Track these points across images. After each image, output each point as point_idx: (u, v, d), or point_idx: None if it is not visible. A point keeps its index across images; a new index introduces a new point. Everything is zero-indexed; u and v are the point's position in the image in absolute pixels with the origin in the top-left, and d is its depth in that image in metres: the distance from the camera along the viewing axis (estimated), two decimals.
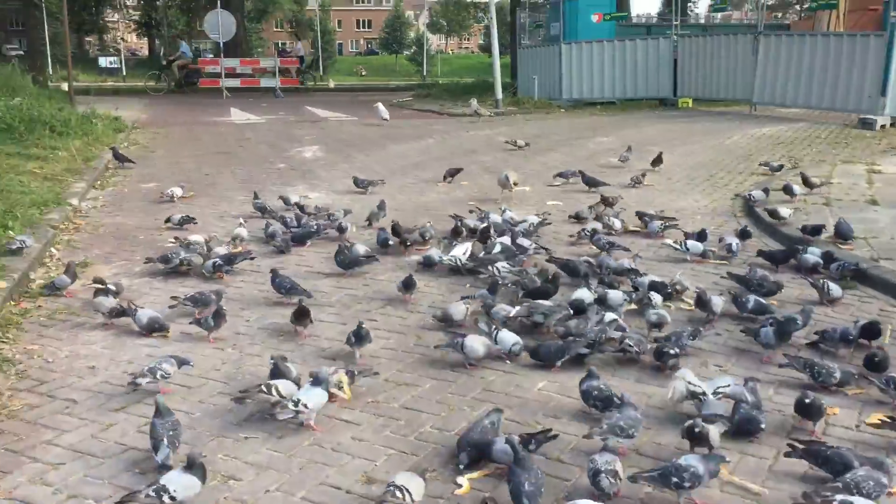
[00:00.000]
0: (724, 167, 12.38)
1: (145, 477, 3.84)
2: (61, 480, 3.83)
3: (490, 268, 6.68)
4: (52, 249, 7.78)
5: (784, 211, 8.29)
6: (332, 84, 39.94)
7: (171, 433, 3.92)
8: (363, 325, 5.22)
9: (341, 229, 8.16)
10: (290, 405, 4.21)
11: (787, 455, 3.87)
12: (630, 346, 5.07)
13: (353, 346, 5.19)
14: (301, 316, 5.60)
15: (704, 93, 22.48)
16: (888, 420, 4.09)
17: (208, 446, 4.12)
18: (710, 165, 12.55)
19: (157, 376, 4.71)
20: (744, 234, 7.71)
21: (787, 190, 9.26)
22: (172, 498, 3.45)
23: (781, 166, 11.55)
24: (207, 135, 17.88)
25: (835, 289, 6.09)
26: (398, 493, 3.48)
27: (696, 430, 3.90)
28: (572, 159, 13.44)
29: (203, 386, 4.89)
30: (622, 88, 23.69)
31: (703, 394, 4.36)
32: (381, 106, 19.50)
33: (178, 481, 3.50)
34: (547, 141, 15.95)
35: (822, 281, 6.14)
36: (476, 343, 5.09)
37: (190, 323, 5.68)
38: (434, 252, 7.24)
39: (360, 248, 7.31)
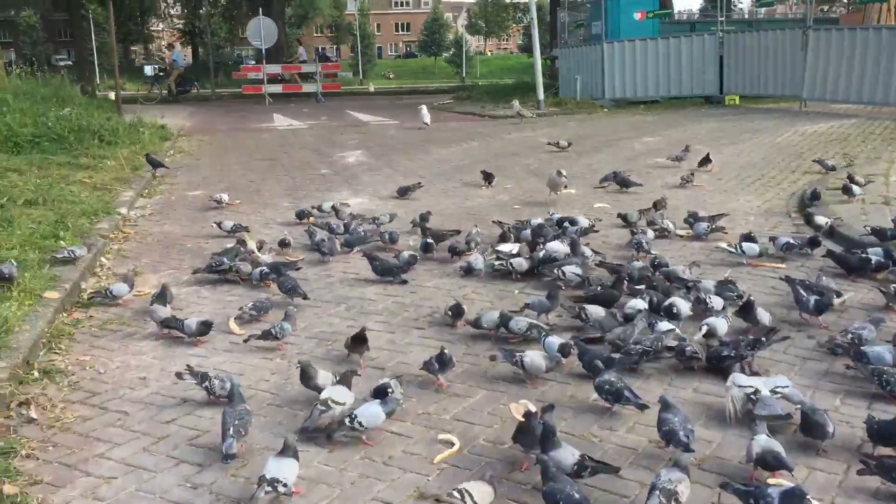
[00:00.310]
0: (776, 166, 12.07)
1: (196, 491, 3.81)
2: (114, 495, 3.81)
3: (556, 270, 6.56)
4: (103, 259, 7.85)
5: (820, 219, 7.85)
6: (372, 88, 40.10)
7: (237, 422, 4.04)
8: (445, 351, 4.92)
9: (392, 240, 8.04)
10: (347, 422, 4.15)
11: (859, 472, 3.68)
12: (692, 351, 4.90)
13: (436, 373, 4.88)
14: (358, 343, 5.26)
15: (752, 90, 22.01)
16: None
17: (257, 460, 4.08)
18: (761, 164, 12.25)
19: (204, 385, 4.76)
20: (812, 243, 7.29)
21: (846, 190, 8.91)
22: (285, 485, 3.60)
23: (835, 166, 11.21)
24: (251, 141, 18.02)
25: None
26: (457, 495, 3.45)
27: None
28: (617, 160, 13.24)
29: (252, 398, 4.84)
30: (666, 87, 23.32)
31: (757, 391, 4.25)
32: (424, 109, 19.46)
33: (279, 468, 3.65)
34: (591, 142, 15.75)
35: (892, 287, 5.87)
36: (538, 358, 4.94)
37: (258, 337, 5.60)
38: (476, 259, 7.10)
39: (407, 255, 7.25)
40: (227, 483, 3.88)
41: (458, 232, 7.99)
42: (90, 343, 5.78)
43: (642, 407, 4.35)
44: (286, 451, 3.72)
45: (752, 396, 4.27)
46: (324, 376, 4.53)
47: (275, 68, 31.51)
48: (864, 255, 6.61)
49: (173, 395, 4.88)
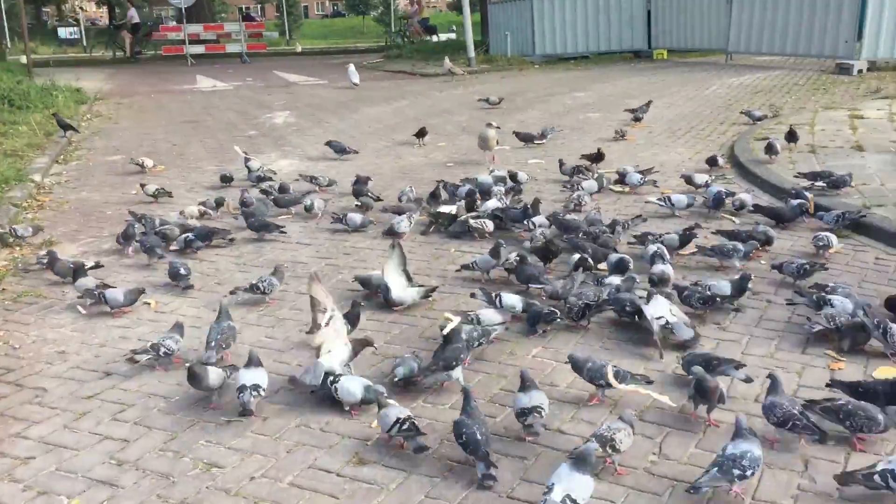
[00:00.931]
0: (705, 118, 12.17)
1: (121, 468, 3.61)
2: (32, 476, 3.59)
3: (527, 222, 6.56)
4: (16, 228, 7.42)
5: (699, 177, 7.77)
6: (299, 48, 39.13)
7: (219, 336, 4.58)
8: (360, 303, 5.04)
9: (307, 209, 7.55)
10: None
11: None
12: (630, 302, 4.86)
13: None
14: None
15: (679, 43, 22.18)
16: None
17: (188, 433, 3.89)
18: (691, 117, 12.34)
19: (161, 353, 4.55)
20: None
21: (770, 149, 8.59)
22: (264, 389, 4.08)
23: (764, 116, 11.36)
24: (174, 103, 17.38)
25: (833, 240, 5.90)
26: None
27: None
28: (548, 115, 13.18)
29: (182, 368, 4.64)
30: (596, 42, 23.32)
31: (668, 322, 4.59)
32: (352, 68, 19.06)
33: (254, 376, 4.07)
34: (522, 98, 15.64)
35: (824, 237, 5.92)
36: (513, 299, 5.05)
37: (245, 290, 5.53)
38: (400, 221, 6.90)
39: (357, 217, 7.10)
40: (153, 458, 3.69)
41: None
42: (3, 317, 5.46)
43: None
44: (252, 362, 4.15)
45: (666, 326, 4.59)
46: (214, 375, 4.09)
47: (196, 28, 30.43)
48: (794, 206, 6.67)
49: (95, 368, 4.63)
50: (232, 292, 5.58)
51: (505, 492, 3.36)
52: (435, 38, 33.75)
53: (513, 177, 8.10)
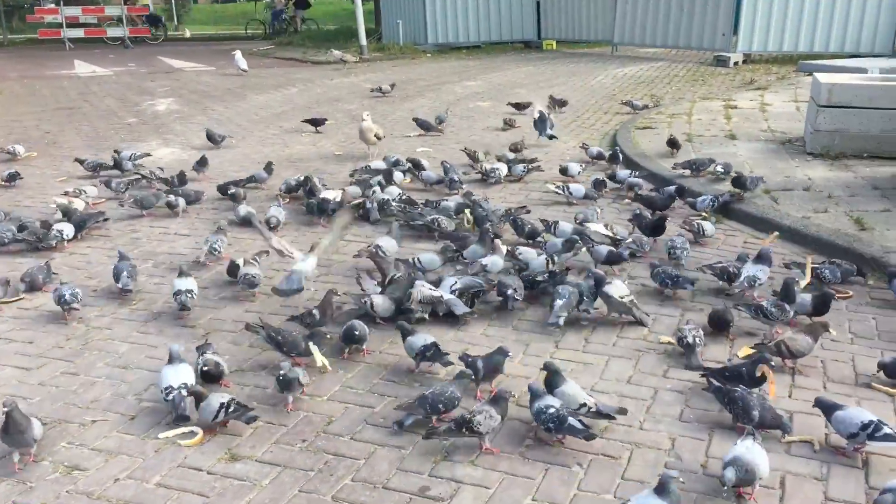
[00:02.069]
0: (591, 108, 12.45)
1: None
2: None
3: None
4: None
5: (574, 167, 8.01)
6: (188, 33, 37.82)
7: (129, 269, 5.34)
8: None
9: (170, 206, 7.19)
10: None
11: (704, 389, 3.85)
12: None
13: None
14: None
15: (567, 35, 22.62)
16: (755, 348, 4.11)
17: (49, 435, 3.69)
18: (577, 107, 12.58)
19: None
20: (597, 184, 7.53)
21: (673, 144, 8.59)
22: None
23: (645, 105, 11.71)
24: (48, 89, 16.48)
25: (708, 228, 6.13)
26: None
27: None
28: (439, 104, 13.19)
29: (44, 367, 4.41)
30: (487, 32, 23.50)
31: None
32: (238, 55, 18.54)
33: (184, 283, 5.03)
34: (414, 86, 15.60)
35: (696, 223, 6.14)
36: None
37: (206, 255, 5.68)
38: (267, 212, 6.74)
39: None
40: (8, 462, 3.48)
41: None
42: None
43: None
44: (183, 274, 5.08)
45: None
46: (36, 424, 3.49)
47: (75, 10, 28.93)
48: (669, 195, 6.88)
49: None
50: (197, 259, 5.89)
51: (381, 482, 3.34)
52: (302, 18, 32.78)
53: (416, 164, 8.11)
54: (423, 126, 10.67)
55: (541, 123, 9.48)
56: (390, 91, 14.20)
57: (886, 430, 3.34)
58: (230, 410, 3.64)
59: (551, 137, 9.45)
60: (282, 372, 3.91)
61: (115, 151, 8.80)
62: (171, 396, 3.76)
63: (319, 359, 4.20)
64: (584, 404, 3.64)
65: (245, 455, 3.53)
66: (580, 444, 3.52)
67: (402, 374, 4.24)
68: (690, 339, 4.27)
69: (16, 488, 3.33)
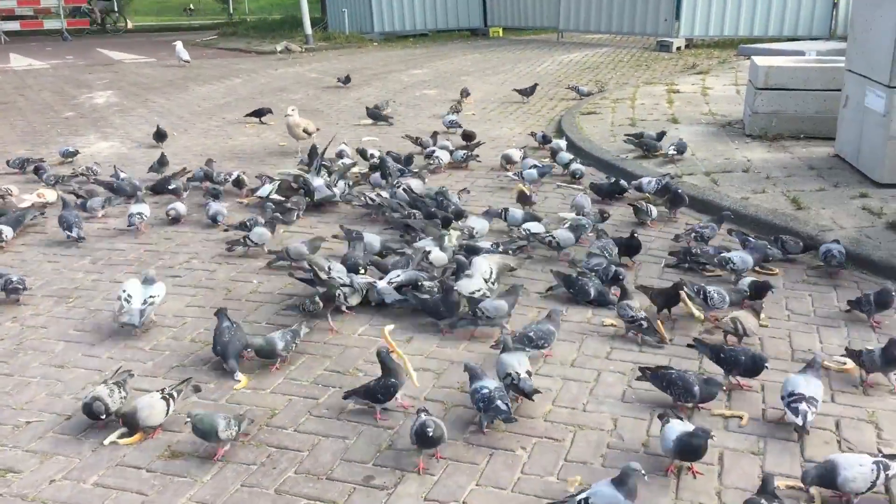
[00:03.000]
0: (537, 94, 12.48)
1: None
2: None
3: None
4: None
5: (515, 154, 8.01)
6: (129, 24, 36.97)
7: (76, 220, 6.10)
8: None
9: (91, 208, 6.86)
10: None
11: (638, 379, 3.86)
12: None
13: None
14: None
15: (514, 22, 22.64)
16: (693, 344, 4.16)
17: None
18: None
19: None
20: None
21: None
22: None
23: (590, 92, 11.80)
24: None
25: (654, 210, 6.21)
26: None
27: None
28: (385, 92, 13.12)
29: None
30: (433, 20, 23.41)
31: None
32: (179, 45, 18.18)
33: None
34: (360, 75, 15.46)
35: (644, 204, 6.22)
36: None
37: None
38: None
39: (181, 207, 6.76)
40: None
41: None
42: None
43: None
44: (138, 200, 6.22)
45: None
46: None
47: (9, 3, 28.04)
48: (614, 182, 6.92)
49: None
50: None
51: (325, 473, 3.31)
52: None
53: (361, 153, 8.09)
54: (374, 116, 10.57)
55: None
56: (350, 81, 14.03)
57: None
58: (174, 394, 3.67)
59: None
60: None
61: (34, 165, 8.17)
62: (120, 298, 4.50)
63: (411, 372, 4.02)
64: (509, 374, 3.67)
65: (185, 451, 3.47)
66: (524, 427, 3.54)
67: (346, 364, 4.20)
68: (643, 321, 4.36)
69: None
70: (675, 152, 7.60)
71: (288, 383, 4.04)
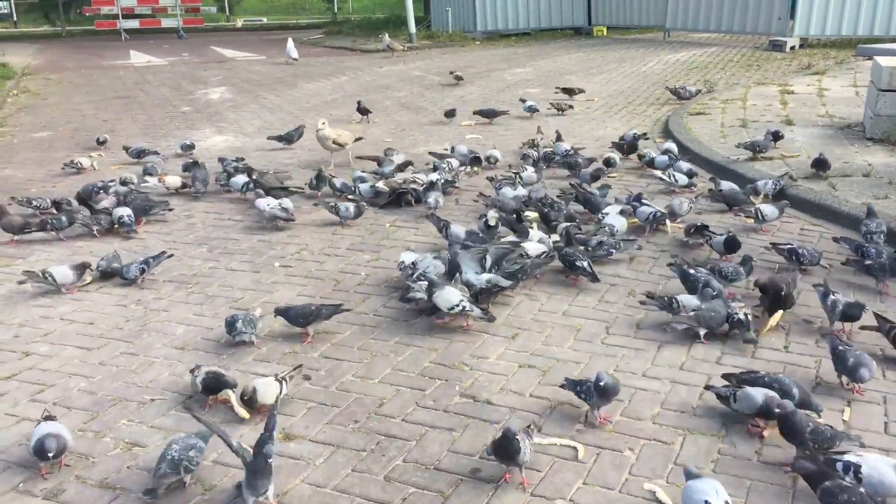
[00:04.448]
0: (641, 94, 12.30)
1: None
2: None
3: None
4: None
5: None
6: (239, 23, 38.31)
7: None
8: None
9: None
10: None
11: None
12: None
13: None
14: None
15: (618, 20, 22.35)
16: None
17: (109, 412, 3.80)
18: (628, 93, 12.45)
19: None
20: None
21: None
22: None
23: (699, 91, 11.53)
24: (105, 79, 16.87)
25: (769, 211, 5.98)
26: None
27: None
28: (489, 91, 13.17)
29: (104, 346, 4.53)
30: (536, 19, 23.35)
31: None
32: (290, 43, 18.73)
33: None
34: (464, 73, 15.53)
35: (755, 209, 6.03)
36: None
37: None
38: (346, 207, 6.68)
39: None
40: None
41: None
42: None
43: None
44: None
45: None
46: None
47: (130, 2, 29.52)
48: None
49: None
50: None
51: (433, 463, 3.36)
52: None
53: (483, 157, 8.12)
54: (487, 115, 10.57)
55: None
56: (462, 79, 14.20)
57: None
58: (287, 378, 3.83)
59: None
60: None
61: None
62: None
63: None
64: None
65: (298, 435, 3.59)
66: (631, 428, 3.51)
67: (452, 358, 4.25)
68: (742, 316, 4.26)
69: (79, 463, 3.43)
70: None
71: (395, 374, 4.11)
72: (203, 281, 5.48)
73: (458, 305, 4.50)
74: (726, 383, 3.72)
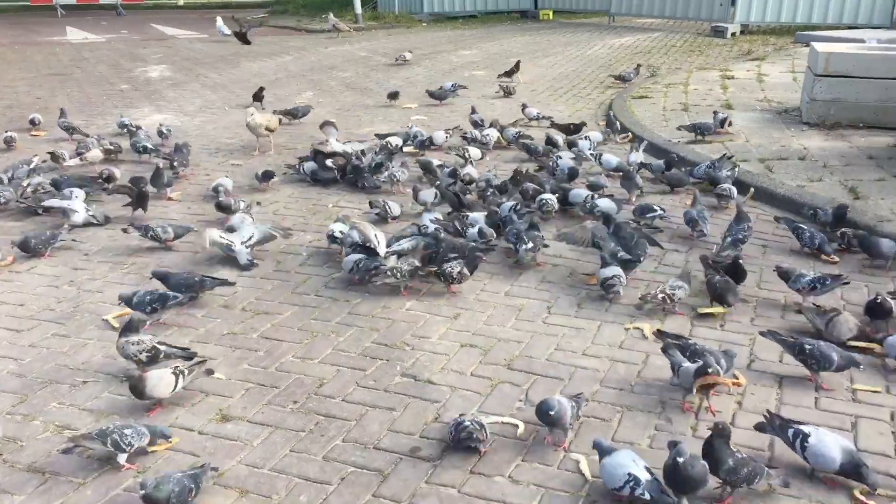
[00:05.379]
0: (586, 77, 12.37)
1: None
2: None
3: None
4: None
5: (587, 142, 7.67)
6: (181, 1, 37.40)
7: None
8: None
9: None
10: None
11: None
12: None
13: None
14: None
15: (564, 5, 22.43)
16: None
17: (39, 395, 3.69)
18: (573, 76, 12.51)
19: None
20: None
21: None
22: None
23: (638, 66, 11.71)
24: (40, 55, 16.31)
25: (733, 190, 6.15)
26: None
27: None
28: (434, 73, 13.10)
29: (35, 328, 4.39)
30: (483, 1, 23.29)
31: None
32: (219, 20, 18.41)
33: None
34: (410, 56, 15.45)
35: (727, 187, 6.15)
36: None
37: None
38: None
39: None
40: None
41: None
42: None
43: None
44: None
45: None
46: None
47: None
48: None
49: None
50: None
51: (372, 443, 3.34)
52: None
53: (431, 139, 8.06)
54: (437, 97, 10.46)
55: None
56: (410, 59, 14.13)
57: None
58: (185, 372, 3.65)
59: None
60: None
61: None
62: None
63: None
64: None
65: (236, 416, 3.54)
66: None
67: (394, 338, 4.23)
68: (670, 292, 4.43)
69: (7, 447, 3.32)
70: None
71: (336, 354, 4.08)
72: (139, 262, 5.35)
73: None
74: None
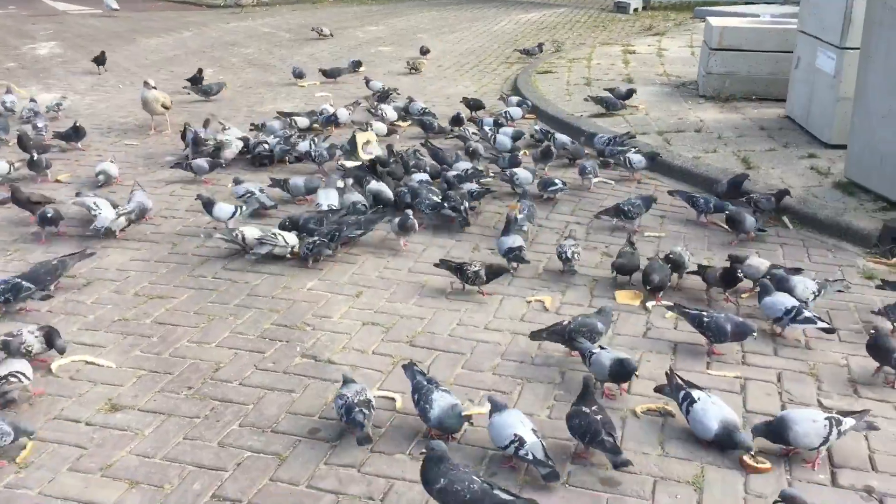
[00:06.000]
0: (493, 53, 12.38)
1: None
2: None
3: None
4: None
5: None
6: None
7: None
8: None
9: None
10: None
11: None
12: None
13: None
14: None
15: None
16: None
17: None
18: (479, 52, 12.50)
19: None
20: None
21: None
22: None
23: (541, 44, 11.81)
24: None
25: (637, 160, 6.22)
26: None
27: None
28: (340, 49, 12.88)
29: None
30: None
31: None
32: None
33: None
34: (326, 30, 15.14)
35: (626, 157, 6.25)
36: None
37: None
38: None
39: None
40: None
41: None
42: None
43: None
44: None
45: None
46: None
47: None
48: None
49: None
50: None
51: (270, 426, 3.27)
52: None
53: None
54: (331, 75, 10.27)
55: None
56: (327, 33, 13.86)
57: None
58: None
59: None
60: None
61: None
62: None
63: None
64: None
65: (126, 405, 3.40)
66: (472, 380, 3.53)
67: (294, 319, 4.14)
68: (569, 254, 4.54)
69: None
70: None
71: (234, 337, 3.97)
72: (23, 248, 5.08)
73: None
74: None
